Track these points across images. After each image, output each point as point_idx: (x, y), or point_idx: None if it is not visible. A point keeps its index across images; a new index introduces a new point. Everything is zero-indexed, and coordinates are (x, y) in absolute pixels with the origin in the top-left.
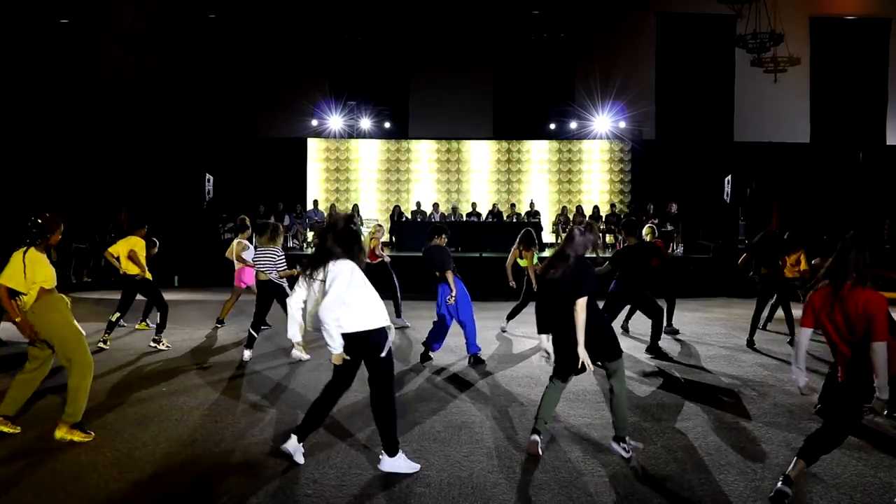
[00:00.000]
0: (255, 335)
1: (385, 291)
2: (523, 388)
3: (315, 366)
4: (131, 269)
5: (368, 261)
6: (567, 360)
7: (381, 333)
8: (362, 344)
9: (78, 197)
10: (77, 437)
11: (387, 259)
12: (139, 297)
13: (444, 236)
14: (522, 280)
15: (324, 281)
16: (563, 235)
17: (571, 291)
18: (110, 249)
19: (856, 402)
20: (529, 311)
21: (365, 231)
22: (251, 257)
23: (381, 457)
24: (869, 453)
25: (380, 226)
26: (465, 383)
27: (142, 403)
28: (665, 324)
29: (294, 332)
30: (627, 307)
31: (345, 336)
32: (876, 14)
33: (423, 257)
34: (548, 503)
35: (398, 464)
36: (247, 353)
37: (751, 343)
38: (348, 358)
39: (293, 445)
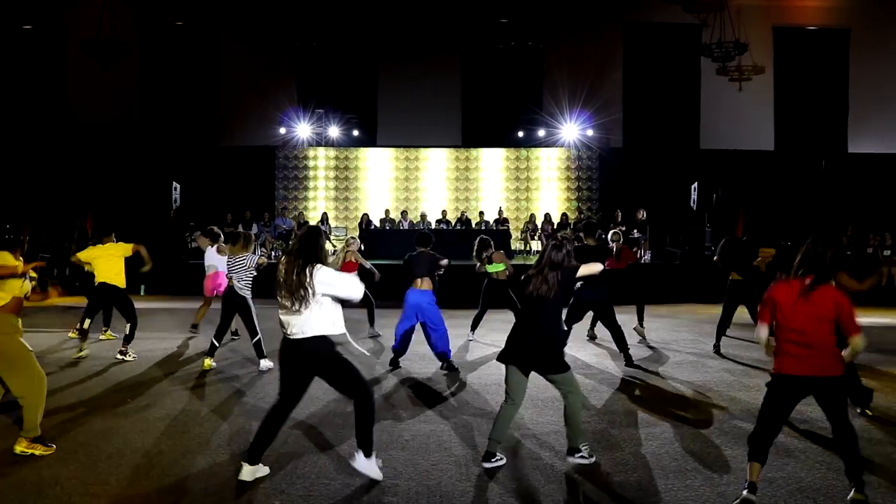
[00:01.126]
0: (217, 345)
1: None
2: (491, 395)
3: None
4: (116, 280)
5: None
6: (535, 362)
7: (326, 340)
8: (308, 350)
9: (41, 205)
10: (39, 450)
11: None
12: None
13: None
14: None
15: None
16: (539, 245)
17: (555, 301)
18: (82, 256)
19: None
20: (491, 318)
21: (331, 240)
22: (212, 262)
23: (356, 455)
24: (832, 457)
25: (353, 238)
26: (434, 391)
27: (106, 414)
28: (637, 323)
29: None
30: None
31: (297, 341)
32: (836, 25)
33: (412, 262)
34: None
35: (371, 466)
36: (207, 362)
37: (717, 349)
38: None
39: (248, 472)
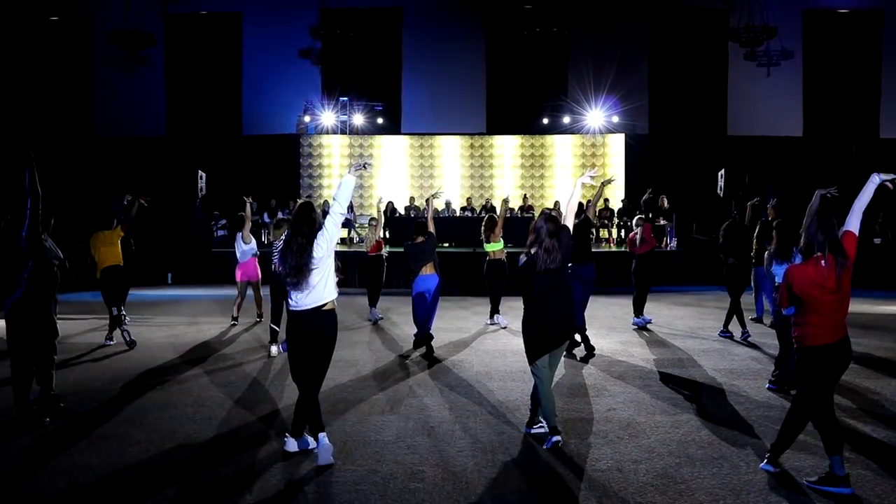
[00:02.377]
0: (277, 328)
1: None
2: (518, 382)
3: None
4: (117, 260)
5: (369, 252)
6: (553, 340)
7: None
8: (317, 318)
9: (70, 195)
10: None
11: (384, 254)
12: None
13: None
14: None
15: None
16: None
17: (565, 271)
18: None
19: None
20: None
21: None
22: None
23: (319, 438)
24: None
25: (374, 218)
26: (459, 378)
27: (135, 401)
28: (635, 315)
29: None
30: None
31: (305, 312)
32: (868, 7)
33: (421, 250)
34: (542, 498)
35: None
36: (274, 349)
37: (745, 336)
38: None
39: (292, 445)
